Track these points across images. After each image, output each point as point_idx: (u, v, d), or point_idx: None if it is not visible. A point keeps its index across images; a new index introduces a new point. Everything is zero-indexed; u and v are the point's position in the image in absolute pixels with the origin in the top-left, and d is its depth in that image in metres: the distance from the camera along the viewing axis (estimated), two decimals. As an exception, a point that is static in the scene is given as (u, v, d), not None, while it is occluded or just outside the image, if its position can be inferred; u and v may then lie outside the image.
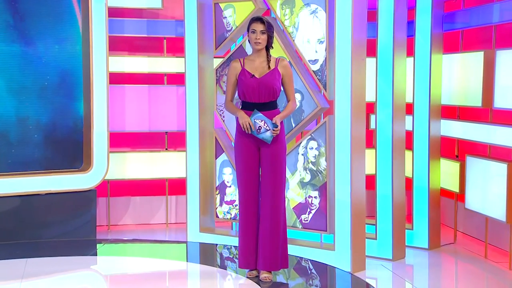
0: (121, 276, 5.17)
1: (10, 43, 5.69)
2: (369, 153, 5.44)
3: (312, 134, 5.25)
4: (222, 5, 5.59)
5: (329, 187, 5.16)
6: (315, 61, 5.19)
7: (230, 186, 5.68)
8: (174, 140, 6.66)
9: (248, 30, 4.56)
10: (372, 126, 5.80)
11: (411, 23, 5.61)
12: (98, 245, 5.84)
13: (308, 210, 5.28)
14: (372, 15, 5.36)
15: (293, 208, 5.34)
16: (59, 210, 5.86)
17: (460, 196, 5.83)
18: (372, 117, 5.73)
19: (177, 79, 6.57)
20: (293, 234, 5.40)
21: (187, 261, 5.53)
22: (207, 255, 5.59)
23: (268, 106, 4.55)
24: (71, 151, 5.95)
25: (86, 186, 5.94)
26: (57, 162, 5.89)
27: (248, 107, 4.56)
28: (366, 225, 5.19)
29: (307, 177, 5.28)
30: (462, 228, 6.16)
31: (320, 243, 5.33)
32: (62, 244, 5.72)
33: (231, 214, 5.69)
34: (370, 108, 5.60)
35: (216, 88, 5.69)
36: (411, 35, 5.61)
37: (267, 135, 4.49)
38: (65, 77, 5.90)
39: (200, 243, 5.72)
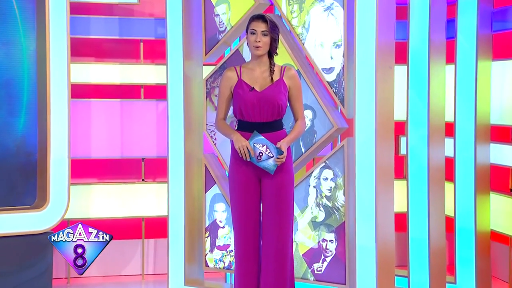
0: None
1: None
2: (399, 185, 5.48)
3: (327, 161, 5.30)
4: (213, 0, 5.67)
5: (349, 228, 5.19)
6: (330, 70, 5.26)
7: (223, 227, 5.72)
8: (153, 169, 6.70)
9: (246, 31, 4.61)
10: (403, 151, 5.84)
11: (451, 22, 5.68)
12: (55, 303, 5.86)
13: (322, 257, 5.31)
14: (402, 12, 5.44)
15: (302, 255, 5.37)
16: (5, 259, 5.86)
17: (515, 241, 5.86)
18: (403, 139, 5.78)
19: (157, 92, 6.63)
20: (303, 288, 5.44)
21: (168, 323, 5.56)
22: (194, 315, 5.61)
23: (271, 127, 4.59)
24: (21, 184, 5.97)
25: (40, 228, 5.95)
26: (2, 198, 5.92)
27: (246, 127, 4.59)
28: (396, 277, 5.21)
29: (321, 216, 5.32)
30: (518, 281, 6.18)
31: (338, 300, 5.37)
32: (9, 302, 5.74)
33: (224, 263, 5.72)
34: (400, 128, 5.65)
35: (206, 104, 5.75)
36: (451, 37, 5.68)
37: (270, 164, 4.51)
38: (10, 89, 5.90)
39: (185, 300, 5.75)
